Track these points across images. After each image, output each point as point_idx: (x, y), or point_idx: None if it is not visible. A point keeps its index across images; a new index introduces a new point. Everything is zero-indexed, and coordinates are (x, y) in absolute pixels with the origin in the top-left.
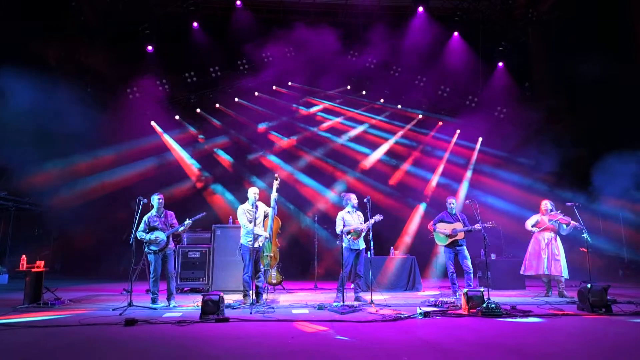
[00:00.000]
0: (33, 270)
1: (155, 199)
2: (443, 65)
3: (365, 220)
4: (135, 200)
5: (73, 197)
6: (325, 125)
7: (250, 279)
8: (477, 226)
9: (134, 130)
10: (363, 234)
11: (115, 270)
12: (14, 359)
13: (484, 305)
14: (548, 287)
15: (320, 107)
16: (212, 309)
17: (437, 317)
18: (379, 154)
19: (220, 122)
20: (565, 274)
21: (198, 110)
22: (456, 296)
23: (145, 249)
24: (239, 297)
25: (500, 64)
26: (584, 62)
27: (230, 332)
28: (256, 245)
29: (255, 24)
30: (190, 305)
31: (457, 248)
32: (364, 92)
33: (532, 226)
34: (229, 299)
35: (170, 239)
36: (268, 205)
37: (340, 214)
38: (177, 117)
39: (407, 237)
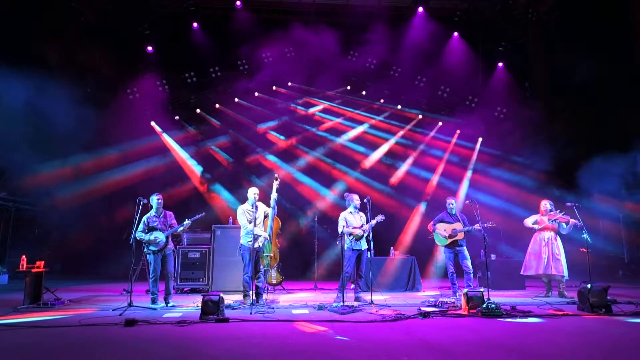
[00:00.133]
0: (33, 270)
1: (155, 200)
2: (443, 66)
3: (368, 220)
4: (135, 200)
5: (73, 197)
6: (325, 125)
7: (250, 279)
8: (477, 226)
9: (134, 131)
10: (365, 235)
11: (115, 270)
12: (14, 359)
13: (484, 306)
14: (548, 288)
15: (320, 107)
16: (212, 310)
17: (437, 318)
18: (379, 154)
19: (220, 122)
20: (566, 274)
21: (198, 110)
22: (456, 296)
23: (145, 249)
24: (239, 297)
25: (500, 64)
26: (584, 62)
27: (230, 333)
28: (256, 245)
29: (255, 24)
30: (190, 305)
31: (457, 248)
32: (363, 93)
33: (533, 223)
34: (229, 299)
35: (170, 239)
36: (268, 205)
37: (343, 215)
38: (177, 117)
39: (407, 237)
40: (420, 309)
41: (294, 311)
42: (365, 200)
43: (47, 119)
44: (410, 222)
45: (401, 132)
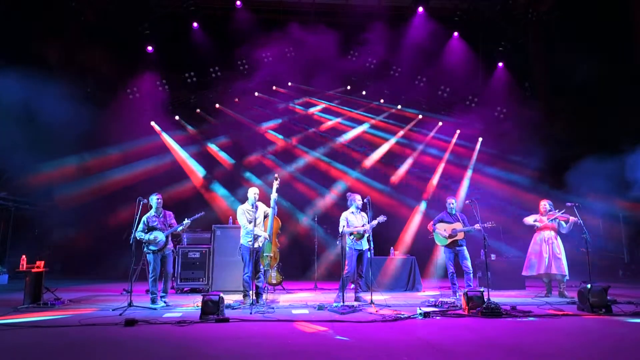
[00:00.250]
0: (33, 270)
1: (154, 199)
2: (443, 65)
3: (369, 220)
4: (135, 200)
5: (73, 197)
6: (325, 125)
7: (250, 279)
8: (477, 226)
9: (134, 131)
10: (366, 235)
11: (115, 270)
12: (14, 359)
13: (484, 306)
14: (548, 288)
15: (320, 107)
16: (212, 309)
17: (437, 318)
18: (379, 154)
19: (220, 122)
20: (567, 273)
21: (198, 110)
22: (456, 296)
23: (145, 249)
24: (238, 297)
25: (500, 64)
26: (584, 62)
27: (230, 333)
28: (256, 245)
29: (255, 24)
30: (190, 305)
31: (457, 248)
32: (364, 92)
33: (533, 222)
34: (228, 299)
35: (169, 239)
36: (268, 205)
37: (344, 214)
38: (177, 117)
39: (407, 237)
40: (420, 309)
41: (294, 311)
42: (365, 200)
43: (47, 119)
44: (410, 221)
45: (401, 132)
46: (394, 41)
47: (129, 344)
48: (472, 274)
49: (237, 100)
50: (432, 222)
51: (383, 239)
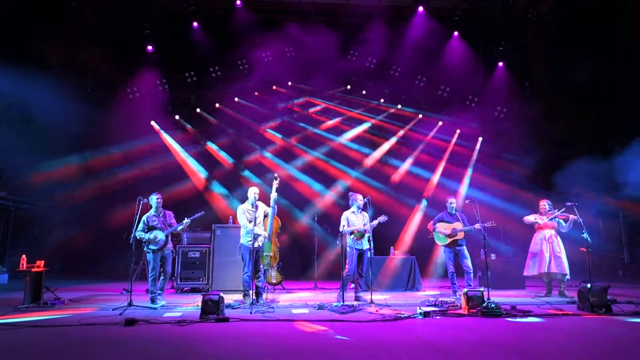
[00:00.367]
0: (33, 270)
1: (154, 199)
2: (443, 65)
3: (370, 220)
4: (135, 200)
5: (73, 197)
6: (325, 125)
7: (250, 279)
8: (477, 226)
9: (134, 130)
10: (367, 235)
11: (115, 270)
12: (15, 359)
13: (484, 305)
14: (548, 288)
15: (320, 107)
16: (212, 309)
17: (437, 317)
18: (379, 153)
19: (220, 121)
20: (568, 272)
21: (198, 110)
22: (456, 296)
23: (145, 249)
24: (238, 296)
25: (500, 63)
26: (584, 62)
27: (230, 332)
28: (256, 245)
29: (255, 24)
30: (190, 305)
31: (457, 248)
32: (364, 92)
33: (534, 219)
34: (228, 298)
35: (169, 238)
36: (268, 205)
37: (345, 214)
38: (177, 117)
39: (407, 236)
40: (420, 309)
41: (294, 311)
42: (365, 199)
43: (47, 119)
44: (410, 221)
45: (401, 132)
46: (394, 41)
47: (129, 343)
48: (472, 274)
49: (237, 99)
50: (432, 222)
51: (383, 238)
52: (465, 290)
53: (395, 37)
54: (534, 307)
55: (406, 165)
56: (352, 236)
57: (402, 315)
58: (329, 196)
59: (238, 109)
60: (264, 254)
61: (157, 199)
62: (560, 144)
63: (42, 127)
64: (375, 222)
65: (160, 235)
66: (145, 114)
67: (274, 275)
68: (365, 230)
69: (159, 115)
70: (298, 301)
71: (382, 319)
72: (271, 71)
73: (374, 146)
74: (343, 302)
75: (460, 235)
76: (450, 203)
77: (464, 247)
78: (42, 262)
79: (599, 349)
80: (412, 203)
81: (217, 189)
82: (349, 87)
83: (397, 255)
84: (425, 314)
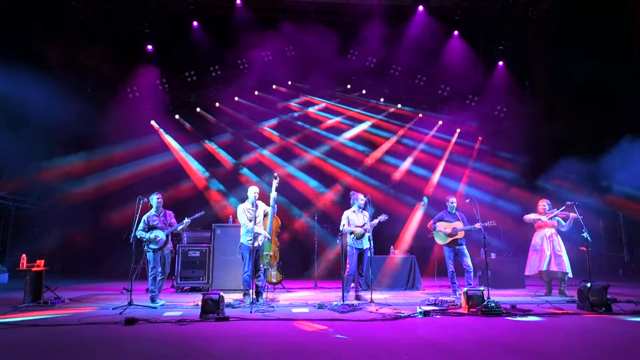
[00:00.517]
0: (33, 269)
1: (155, 199)
2: (443, 64)
3: (370, 219)
4: (135, 199)
5: (73, 196)
6: (325, 124)
7: (250, 278)
8: (478, 225)
9: (134, 130)
10: (367, 234)
11: (115, 269)
12: (14, 358)
13: (484, 304)
14: (549, 287)
15: (320, 106)
16: (212, 308)
17: (437, 316)
18: (379, 153)
19: (220, 121)
20: (569, 270)
21: (198, 109)
22: (456, 295)
23: (145, 248)
24: (239, 296)
25: (500, 62)
26: (584, 62)
27: (230, 331)
28: (256, 244)
29: (255, 23)
30: (190, 304)
31: (457, 247)
32: (364, 91)
33: (535, 218)
34: (229, 298)
35: (169, 238)
36: (267, 204)
37: (346, 213)
38: (177, 116)
39: (407, 236)
40: (420, 308)
41: (294, 310)
42: (365, 198)
43: (47, 119)
44: (410, 220)
45: (401, 131)
46: (393, 40)
47: (129, 342)
48: (472, 273)
49: (237, 99)
50: (432, 221)
51: (383, 237)
52: (465, 289)
53: (395, 36)
54: (534, 306)
55: (406, 164)
56: (352, 235)
57: (402, 315)
58: (329, 195)
59: (238, 108)
60: (264, 253)
61: (158, 198)
62: (560, 143)
63: (42, 126)
64: (376, 221)
65: (160, 234)
66: (145, 113)
67: (274, 274)
68: (365, 230)
69: (159, 115)
70: (298, 300)
71: (382, 318)
72: (271, 70)
73: (374, 145)
74: (343, 301)
75: (461, 235)
76: (451, 202)
77: (464, 246)
78: (42, 261)
79: (598, 348)
80: (412, 202)
81: (217, 188)
82: (349, 86)
83: (397, 255)
84: (425, 313)
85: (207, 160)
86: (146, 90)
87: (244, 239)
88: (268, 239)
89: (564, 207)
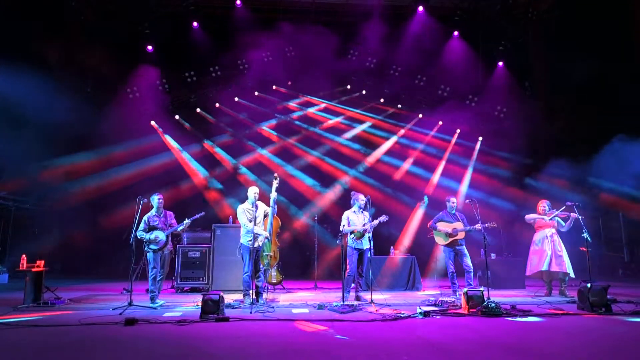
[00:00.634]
0: (33, 269)
1: (155, 199)
2: (443, 65)
3: (370, 220)
4: (135, 200)
5: (73, 197)
6: (325, 124)
7: (250, 279)
8: (478, 226)
9: (134, 130)
10: (367, 235)
11: (115, 269)
12: (14, 358)
13: (484, 305)
14: (549, 287)
15: (320, 106)
16: (212, 309)
17: (437, 317)
18: (379, 153)
19: (220, 121)
20: (570, 270)
21: (198, 109)
22: (456, 295)
23: (145, 248)
24: (239, 296)
25: (500, 63)
26: (584, 62)
27: (230, 332)
28: (256, 244)
29: (255, 24)
30: (190, 304)
31: (457, 247)
32: (364, 92)
33: (535, 218)
34: (229, 298)
35: (170, 239)
36: (267, 204)
37: (346, 213)
38: (177, 116)
39: (407, 236)
40: (420, 308)
41: (294, 310)
42: (365, 198)
43: (47, 119)
44: (410, 221)
45: (401, 131)
46: (393, 40)
47: (129, 343)
48: (472, 273)
49: (237, 99)
50: (432, 221)
51: (383, 238)
52: (465, 289)
53: (395, 36)
54: (534, 306)
55: (406, 164)
56: (352, 236)
57: (402, 315)
58: (329, 195)
59: (238, 109)
60: (264, 253)
61: (159, 199)
62: (560, 143)
63: (42, 126)
64: (376, 221)
65: (161, 235)
66: (145, 113)
67: (274, 274)
68: (365, 230)
69: (159, 115)
70: (298, 301)
71: (382, 318)
72: (271, 71)
73: (374, 146)
74: (343, 301)
75: (461, 235)
76: (451, 203)
77: (464, 246)
78: (42, 261)
79: (598, 348)
80: (412, 203)
81: (217, 188)
82: (348, 86)
83: (397, 255)
84: (425, 314)
85: (207, 161)
86: (146, 91)
87: (244, 239)
88: (268, 239)
89: (564, 208)
